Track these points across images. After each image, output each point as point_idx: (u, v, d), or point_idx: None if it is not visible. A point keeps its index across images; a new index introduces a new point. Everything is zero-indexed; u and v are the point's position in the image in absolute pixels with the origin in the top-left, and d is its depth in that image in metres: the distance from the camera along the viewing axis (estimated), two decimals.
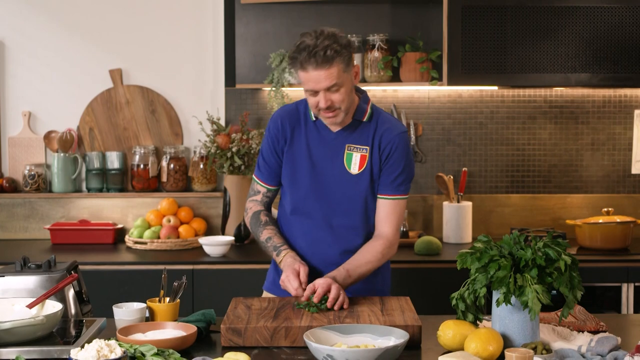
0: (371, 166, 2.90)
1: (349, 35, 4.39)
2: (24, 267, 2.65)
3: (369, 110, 2.92)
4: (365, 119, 2.91)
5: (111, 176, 4.60)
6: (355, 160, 2.90)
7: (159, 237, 4.37)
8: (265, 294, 3.09)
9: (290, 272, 2.75)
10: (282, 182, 3.00)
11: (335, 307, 2.63)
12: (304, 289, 2.69)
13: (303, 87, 2.79)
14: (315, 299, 2.63)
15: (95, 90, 4.64)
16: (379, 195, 2.94)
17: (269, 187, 3.03)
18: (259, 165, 3.02)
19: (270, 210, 3.09)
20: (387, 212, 2.93)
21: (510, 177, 4.63)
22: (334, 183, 2.90)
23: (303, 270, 2.76)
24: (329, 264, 2.90)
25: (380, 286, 3.01)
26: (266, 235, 2.94)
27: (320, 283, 2.67)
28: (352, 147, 2.90)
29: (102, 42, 4.64)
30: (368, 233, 2.96)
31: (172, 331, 2.45)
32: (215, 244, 4.10)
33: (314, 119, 2.92)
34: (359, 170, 2.90)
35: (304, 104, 2.96)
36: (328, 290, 2.66)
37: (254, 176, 3.07)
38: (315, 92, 2.76)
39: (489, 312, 2.61)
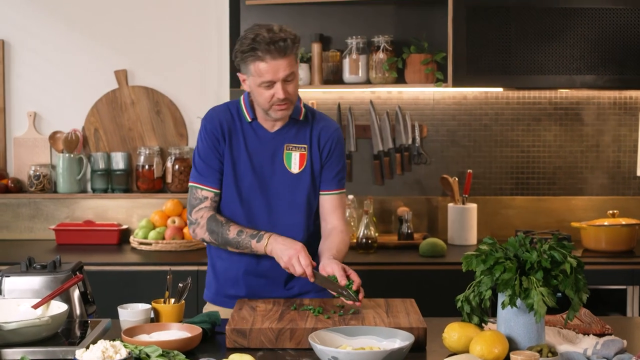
0: (311, 164, 2.91)
1: (354, 37, 4.40)
2: (29, 268, 2.65)
3: (303, 108, 2.93)
4: (301, 118, 2.92)
5: (116, 177, 4.60)
6: (295, 160, 2.90)
7: (163, 238, 4.37)
8: (209, 306, 3.01)
9: (294, 250, 2.71)
10: (224, 184, 2.91)
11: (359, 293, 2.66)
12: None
13: (255, 81, 2.76)
14: (354, 287, 2.64)
15: (100, 90, 4.64)
16: (323, 192, 2.95)
17: (215, 190, 2.89)
18: (199, 170, 2.90)
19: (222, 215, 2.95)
20: (334, 205, 2.95)
21: (515, 179, 4.63)
22: (276, 183, 2.89)
23: (304, 248, 2.74)
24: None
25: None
26: (236, 229, 2.82)
27: (345, 268, 2.69)
28: (290, 147, 2.90)
29: (107, 43, 4.64)
30: (308, 230, 2.94)
31: (177, 332, 2.45)
32: None
33: (249, 119, 2.89)
34: (299, 169, 2.90)
35: (235, 106, 2.93)
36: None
37: (192, 184, 2.91)
38: (271, 84, 2.75)
39: (494, 315, 2.60)
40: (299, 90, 4.23)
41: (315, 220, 2.98)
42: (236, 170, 2.89)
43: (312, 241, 2.93)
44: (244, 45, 2.74)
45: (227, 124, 2.90)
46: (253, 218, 2.89)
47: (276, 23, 2.79)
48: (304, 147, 2.91)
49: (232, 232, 2.82)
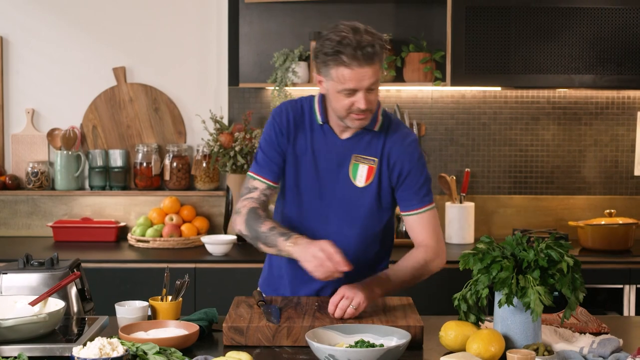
0: (379, 179, 2.72)
1: None
2: (27, 265, 2.65)
3: (380, 118, 2.73)
4: (376, 129, 2.73)
5: (114, 174, 4.60)
6: (361, 172, 2.71)
7: (161, 236, 4.37)
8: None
9: (320, 248, 2.45)
10: (286, 185, 2.78)
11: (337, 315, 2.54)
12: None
13: (335, 87, 2.56)
14: (330, 309, 2.53)
15: (98, 88, 4.64)
16: (406, 213, 2.75)
17: (269, 182, 2.74)
18: (257, 160, 2.76)
19: (267, 210, 2.77)
20: (421, 225, 2.75)
21: (513, 178, 4.63)
22: (337, 193, 2.72)
23: (333, 244, 2.48)
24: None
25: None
26: (270, 225, 2.62)
27: (344, 297, 2.54)
28: (359, 158, 2.71)
29: (106, 40, 4.64)
30: (364, 249, 2.77)
31: (174, 330, 2.45)
32: (217, 243, 4.10)
33: (320, 122, 2.72)
34: (365, 183, 2.71)
35: (308, 104, 2.76)
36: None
37: (249, 173, 2.78)
38: (352, 92, 2.55)
39: (491, 313, 2.60)
40: (300, 88, 4.26)
41: (378, 241, 2.81)
42: (298, 170, 2.74)
43: (368, 263, 2.79)
44: (327, 47, 2.53)
45: (295, 121, 2.73)
46: (308, 223, 2.74)
47: (360, 22, 2.58)
48: (374, 160, 2.71)
49: (265, 226, 2.62)
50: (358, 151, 2.72)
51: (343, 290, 2.55)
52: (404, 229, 4.28)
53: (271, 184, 2.76)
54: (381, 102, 4.44)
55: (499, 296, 2.32)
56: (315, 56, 2.60)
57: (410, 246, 2.80)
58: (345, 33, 2.51)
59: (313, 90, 4.50)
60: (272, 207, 4.51)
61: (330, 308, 2.54)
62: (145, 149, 4.56)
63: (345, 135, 2.73)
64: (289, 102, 2.80)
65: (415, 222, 2.77)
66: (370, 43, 2.50)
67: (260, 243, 2.64)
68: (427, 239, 2.75)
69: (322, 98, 2.73)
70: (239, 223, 2.71)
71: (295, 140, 2.75)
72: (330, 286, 2.75)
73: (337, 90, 2.57)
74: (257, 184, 2.75)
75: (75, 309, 2.61)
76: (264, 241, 2.62)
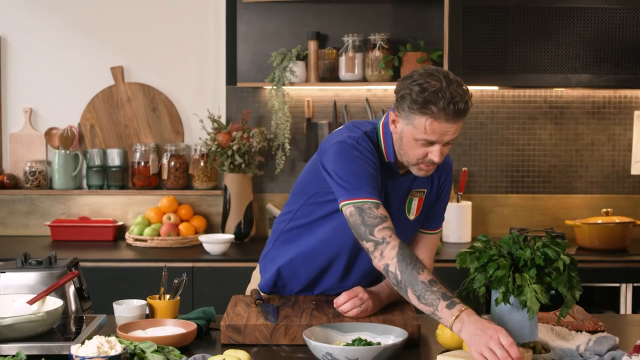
0: (427, 208, 2.73)
1: (350, 35, 4.40)
2: (25, 264, 2.66)
3: None
4: None
5: (112, 173, 4.60)
6: (414, 206, 2.67)
7: (159, 235, 4.38)
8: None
9: (496, 342, 2.10)
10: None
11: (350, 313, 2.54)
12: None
13: (413, 134, 2.44)
14: (337, 305, 2.55)
15: (96, 87, 4.64)
16: (424, 230, 2.76)
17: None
18: (360, 185, 2.46)
19: None
20: (428, 245, 2.79)
21: (510, 177, 4.64)
22: (398, 225, 2.51)
23: (502, 330, 2.15)
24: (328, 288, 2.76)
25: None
26: (429, 276, 2.30)
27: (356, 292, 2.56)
28: (414, 193, 2.67)
29: (104, 40, 4.64)
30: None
31: (172, 328, 2.46)
32: (215, 242, 4.11)
33: (387, 160, 2.59)
34: (416, 215, 2.70)
35: (375, 137, 2.59)
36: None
37: (363, 200, 2.44)
38: (430, 144, 2.44)
39: (487, 312, 2.61)
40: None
41: None
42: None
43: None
44: (417, 94, 2.39)
45: (376, 154, 2.56)
46: (347, 248, 2.67)
47: (450, 72, 2.45)
48: (424, 192, 2.68)
49: (424, 275, 2.29)
50: (414, 186, 2.67)
51: (359, 291, 2.58)
52: None
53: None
54: (379, 102, 4.45)
55: (495, 294, 2.33)
56: (402, 97, 2.44)
57: None
58: (440, 84, 2.39)
59: (310, 90, 4.52)
60: (272, 206, 4.52)
61: (341, 298, 2.56)
62: (143, 148, 4.56)
63: (404, 171, 2.64)
64: (364, 133, 2.58)
65: (424, 240, 2.80)
66: (462, 99, 2.39)
67: (410, 292, 2.30)
68: (426, 259, 2.76)
69: (389, 136, 2.58)
70: (388, 257, 2.36)
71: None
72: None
73: (415, 138, 2.45)
74: (383, 211, 2.44)
75: (73, 307, 2.61)
76: (418, 293, 2.28)
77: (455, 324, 2.18)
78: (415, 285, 2.28)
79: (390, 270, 2.35)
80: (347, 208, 2.45)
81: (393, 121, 2.52)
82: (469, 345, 2.14)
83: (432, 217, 2.77)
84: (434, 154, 2.45)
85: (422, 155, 2.47)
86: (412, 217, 2.69)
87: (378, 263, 2.39)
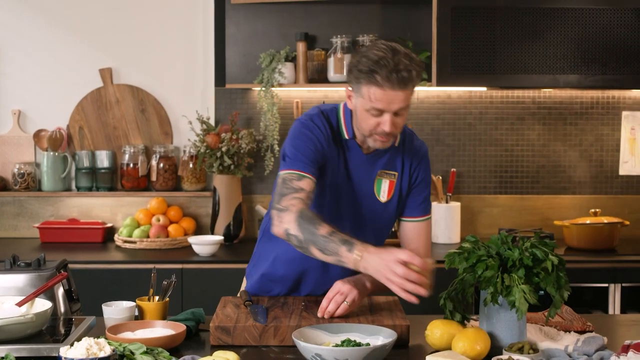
0: (400, 193, 2.74)
1: (338, 36, 4.40)
2: (14, 266, 2.65)
3: (398, 135, 2.71)
4: (396, 144, 2.72)
5: (101, 175, 4.60)
6: (384, 188, 2.71)
7: (148, 236, 4.37)
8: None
9: (396, 260, 2.30)
10: (326, 200, 2.68)
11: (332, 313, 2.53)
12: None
13: (364, 105, 2.52)
14: (320, 313, 2.51)
15: (85, 89, 4.64)
16: (405, 218, 2.77)
17: (314, 180, 2.57)
18: (293, 157, 2.58)
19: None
20: (417, 233, 2.78)
21: (499, 177, 4.65)
22: (365, 208, 2.69)
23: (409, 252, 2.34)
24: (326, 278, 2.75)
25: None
26: (329, 229, 2.42)
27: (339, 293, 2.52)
28: (383, 174, 2.71)
29: (92, 41, 4.64)
30: None
31: (161, 330, 2.46)
32: (204, 243, 4.11)
33: (346, 137, 2.67)
34: (387, 197, 2.72)
35: (335, 116, 2.69)
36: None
37: (287, 171, 2.57)
38: (379, 113, 2.51)
39: (476, 312, 2.62)
40: (286, 89, 4.24)
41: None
42: (337, 185, 2.67)
43: None
44: (363, 65, 2.48)
45: (329, 133, 2.66)
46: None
47: (400, 45, 2.52)
48: (394, 175, 2.72)
49: (324, 229, 2.41)
50: (381, 167, 2.71)
51: (338, 286, 2.56)
52: None
53: (314, 180, 2.59)
54: None
55: (484, 295, 2.33)
56: (349, 71, 2.55)
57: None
58: (384, 53, 2.47)
59: (299, 91, 4.52)
60: (261, 207, 4.52)
61: (324, 303, 2.53)
62: (132, 150, 4.56)
63: (369, 152, 2.70)
64: (318, 111, 2.70)
65: (412, 229, 2.79)
66: (407, 68, 2.46)
67: (313, 247, 2.43)
68: (419, 247, 2.75)
69: (350, 113, 2.67)
70: (287, 221, 2.47)
71: (329, 152, 2.67)
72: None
73: (365, 109, 2.53)
74: (304, 184, 2.55)
75: (62, 309, 2.61)
76: (320, 246, 2.41)
77: (361, 266, 2.36)
78: (317, 240, 2.41)
79: (291, 234, 2.47)
80: (277, 179, 2.61)
81: (349, 97, 2.61)
82: (378, 279, 2.31)
83: (412, 204, 2.77)
84: (385, 123, 2.52)
85: (374, 125, 2.54)
86: (382, 199, 2.72)
87: (278, 230, 2.50)
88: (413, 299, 2.29)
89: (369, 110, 2.52)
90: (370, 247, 2.37)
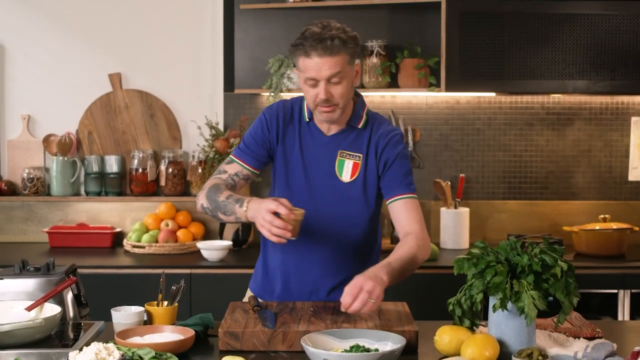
0: (365, 175, 2.79)
1: None
2: (23, 270, 2.66)
3: (364, 116, 2.82)
4: (360, 126, 2.81)
5: (110, 180, 4.61)
6: (347, 168, 2.79)
7: (157, 241, 4.38)
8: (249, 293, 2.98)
9: (267, 209, 2.50)
10: (276, 182, 2.85)
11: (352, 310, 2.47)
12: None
13: (302, 77, 2.69)
14: (343, 308, 2.46)
15: (94, 94, 4.65)
16: (391, 199, 2.78)
17: (248, 167, 2.84)
18: (240, 146, 2.87)
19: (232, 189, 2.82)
20: (406, 209, 2.77)
21: (508, 183, 4.65)
22: (325, 189, 2.79)
23: (285, 201, 2.54)
24: (313, 266, 2.83)
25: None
26: (227, 193, 2.70)
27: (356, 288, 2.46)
28: (344, 154, 2.80)
29: (101, 47, 4.65)
30: (360, 243, 2.84)
31: (170, 335, 2.46)
32: (213, 249, 4.11)
33: (307, 119, 2.82)
34: (351, 178, 2.79)
35: (299, 104, 2.85)
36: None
37: (231, 156, 2.88)
38: (315, 83, 2.66)
39: (485, 318, 2.61)
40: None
41: (372, 236, 2.87)
42: (288, 168, 2.82)
43: (370, 257, 2.86)
44: (295, 39, 2.69)
45: (284, 120, 2.83)
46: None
47: (336, 21, 2.75)
48: (359, 157, 2.79)
49: (223, 196, 2.70)
50: (343, 147, 2.81)
51: (361, 282, 2.46)
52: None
53: (250, 169, 2.85)
54: (377, 108, 4.46)
55: (493, 301, 2.33)
56: (288, 49, 2.75)
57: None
58: (313, 27, 2.69)
59: None
60: None
61: (347, 299, 2.44)
62: (140, 155, 4.56)
63: (331, 132, 2.82)
64: (281, 101, 2.90)
65: (400, 207, 2.78)
66: (331, 36, 2.65)
67: (220, 213, 2.71)
68: (413, 223, 2.76)
69: None
70: (201, 197, 2.77)
71: (284, 138, 2.83)
72: (325, 286, 2.84)
73: (303, 80, 2.70)
74: (230, 167, 2.85)
75: (71, 314, 2.61)
76: (222, 210, 2.69)
77: (248, 215, 2.58)
78: (219, 206, 2.69)
79: (204, 207, 2.75)
80: None
81: (299, 77, 2.75)
82: (257, 224, 2.52)
83: (391, 183, 2.79)
84: (320, 91, 2.65)
85: (314, 96, 2.68)
86: (345, 179, 2.80)
87: (197, 206, 2.79)
88: (282, 241, 2.51)
89: (306, 82, 2.68)
90: (255, 199, 2.59)
